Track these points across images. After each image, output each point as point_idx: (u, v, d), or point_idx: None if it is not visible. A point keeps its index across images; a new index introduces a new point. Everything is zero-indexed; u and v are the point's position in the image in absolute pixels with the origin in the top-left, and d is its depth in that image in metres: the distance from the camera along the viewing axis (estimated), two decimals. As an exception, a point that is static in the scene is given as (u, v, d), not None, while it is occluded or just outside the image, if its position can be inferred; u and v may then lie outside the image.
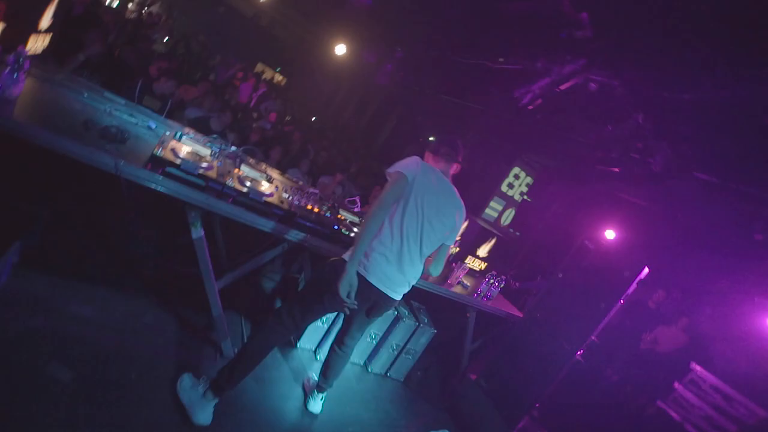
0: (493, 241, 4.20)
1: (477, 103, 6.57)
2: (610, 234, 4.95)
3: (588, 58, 2.97)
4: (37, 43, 2.32)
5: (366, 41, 7.81)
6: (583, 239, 4.76)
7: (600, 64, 2.99)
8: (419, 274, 2.21)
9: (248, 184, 2.31)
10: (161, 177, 2.00)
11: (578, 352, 2.94)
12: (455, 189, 2.20)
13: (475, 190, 8.76)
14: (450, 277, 3.42)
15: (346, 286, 1.92)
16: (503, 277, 3.69)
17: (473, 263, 4.13)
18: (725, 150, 3.49)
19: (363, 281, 2.00)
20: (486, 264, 4.25)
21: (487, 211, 9.25)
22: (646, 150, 4.06)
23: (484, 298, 3.60)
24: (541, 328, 3.30)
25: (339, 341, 2.41)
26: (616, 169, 4.61)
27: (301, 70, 16.50)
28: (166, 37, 8.29)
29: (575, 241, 5.41)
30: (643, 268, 2.97)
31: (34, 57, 2.29)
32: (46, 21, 2.29)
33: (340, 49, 7.84)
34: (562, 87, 3.12)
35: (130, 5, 9.10)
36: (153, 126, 2.58)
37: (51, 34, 2.41)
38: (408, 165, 2.03)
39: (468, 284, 3.70)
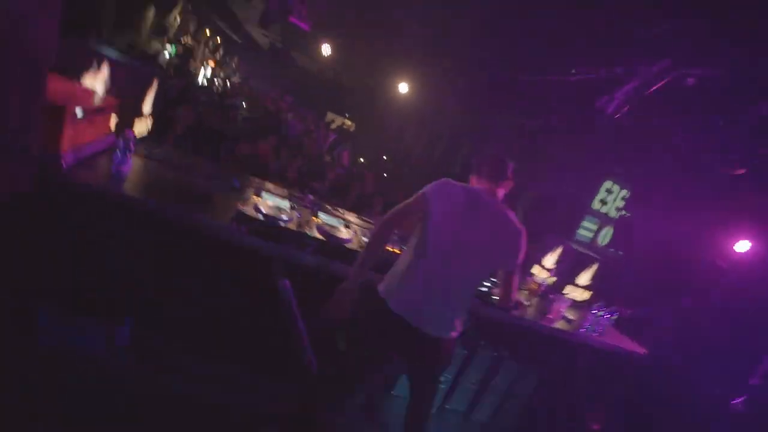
0: (595, 267, 3.73)
1: (556, 120, 6.17)
2: (743, 246, 4.12)
3: (673, 56, 2.58)
4: (141, 126, 2.63)
5: (428, 75, 7.90)
6: (713, 256, 4.01)
7: (690, 56, 2.57)
8: (465, 305, 1.96)
9: (327, 231, 2.30)
10: (245, 232, 2.08)
11: (736, 400, 2.36)
12: (506, 210, 1.92)
13: (564, 211, 8.11)
14: (549, 310, 3.05)
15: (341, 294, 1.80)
16: (614, 307, 3.21)
17: (574, 293, 3.69)
18: None
19: (386, 311, 1.83)
20: (590, 293, 3.76)
21: (581, 231, 8.45)
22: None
23: (594, 333, 3.14)
24: (673, 368, 2.76)
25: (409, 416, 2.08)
26: (740, 171, 3.92)
27: (369, 113, 17.24)
28: (244, 102, 9.23)
29: (696, 259, 4.62)
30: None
31: (139, 138, 2.59)
32: (147, 106, 2.59)
33: (403, 88, 8.04)
34: (652, 89, 2.74)
35: (216, 80, 10.37)
36: (237, 185, 2.75)
37: (152, 116, 2.72)
38: (430, 185, 1.86)
39: (572, 318, 3.27)
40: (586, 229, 9.32)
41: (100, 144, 2.21)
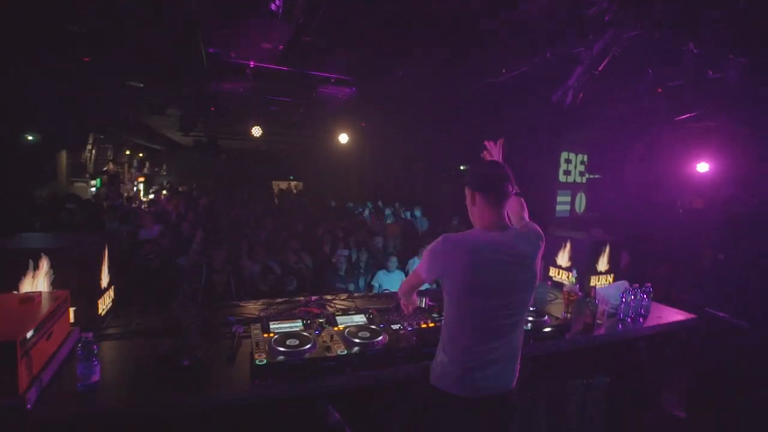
0: (607, 248, 3.63)
1: (514, 113, 6.24)
2: (703, 167, 4.20)
3: (614, 27, 2.63)
4: (106, 302, 2.28)
5: (364, 115, 7.89)
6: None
7: (630, 22, 2.63)
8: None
9: (356, 341, 2.03)
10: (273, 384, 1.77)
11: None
12: (513, 227, 1.83)
13: (537, 199, 8.21)
14: (588, 315, 2.83)
15: None
16: (646, 285, 3.10)
17: (601, 282, 3.56)
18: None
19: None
20: (612, 276, 3.65)
21: (558, 208, 8.55)
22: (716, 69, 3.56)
23: (640, 318, 3.00)
24: (732, 327, 2.64)
25: None
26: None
27: (313, 168, 17.19)
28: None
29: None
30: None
31: (105, 316, 2.23)
32: (105, 279, 2.26)
33: (343, 138, 7.99)
34: (600, 68, 2.77)
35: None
36: (232, 320, 2.42)
37: (113, 287, 2.38)
38: (429, 264, 1.74)
39: (612, 310, 3.11)
40: (561, 204, 9.42)
41: (64, 351, 1.85)
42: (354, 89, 5.10)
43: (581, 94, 2.95)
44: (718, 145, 5.35)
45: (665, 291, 5.00)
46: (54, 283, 2.00)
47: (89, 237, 2.24)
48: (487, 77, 4.70)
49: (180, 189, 13.70)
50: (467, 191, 1.84)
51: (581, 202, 8.75)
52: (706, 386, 2.77)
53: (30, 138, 7.60)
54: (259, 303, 2.83)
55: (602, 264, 3.60)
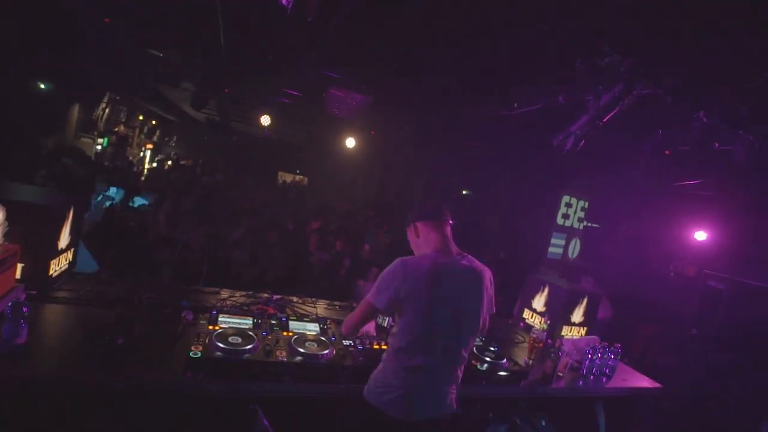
0: (585, 300, 3.55)
1: (513, 149, 6.22)
2: (701, 235, 4.15)
3: (625, 81, 2.61)
4: (60, 263, 2.23)
5: (374, 123, 7.90)
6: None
7: (641, 81, 2.61)
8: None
9: (301, 351, 1.97)
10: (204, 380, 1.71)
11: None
12: (465, 258, 1.83)
13: (530, 237, 8.13)
14: (549, 365, 2.73)
15: None
16: (616, 345, 3.02)
17: (572, 333, 3.49)
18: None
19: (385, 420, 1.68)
20: (585, 329, 3.58)
21: (551, 250, 8.47)
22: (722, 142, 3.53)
23: (603, 378, 2.92)
24: (700, 403, 2.56)
25: None
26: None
27: (320, 166, 17.22)
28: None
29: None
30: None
31: (57, 277, 2.19)
32: (64, 240, 2.21)
33: (350, 143, 7.99)
34: (605, 119, 2.73)
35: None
36: (185, 304, 2.36)
37: (72, 249, 2.33)
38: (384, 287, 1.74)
39: (577, 365, 3.03)
40: (555, 246, 9.34)
41: (1, 306, 1.80)
42: (365, 97, 5.10)
43: (582, 142, 2.92)
44: (718, 215, 5.29)
45: (642, 350, 4.91)
46: (6, 236, 1.95)
47: (58, 196, 2.20)
48: (499, 110, 4.68)
49: (182, 162, 13.72)
50: (408, 231, 1.94)
51: (575, 247, 8.68)
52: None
53: (43, 86, 7.63)
54: (223, 292, 2.77)
55: (577, 315, 3.52)
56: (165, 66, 6.04)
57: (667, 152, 4.31)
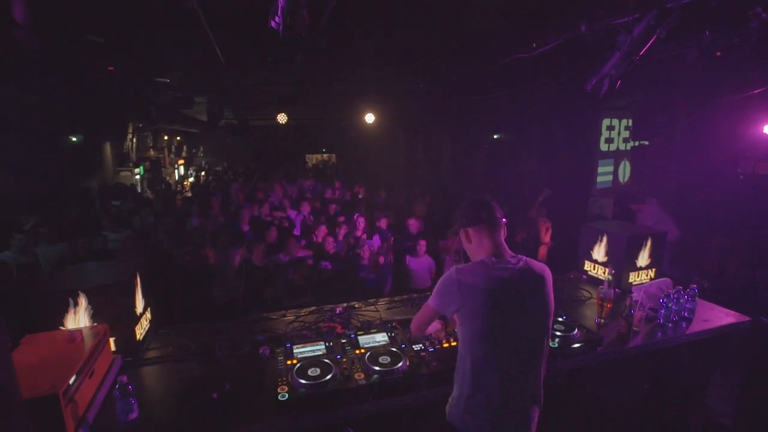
0: (648, 242, 3.37)
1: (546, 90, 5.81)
2: None
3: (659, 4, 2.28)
4: (143, 327, 2.41)
5: (392, 92, 7.64)
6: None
7: None
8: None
9: (377, 369, 2.05)
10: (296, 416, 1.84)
11: None
12: (525, 262, 1.73)
13: (576, 174, 7.73)
14: (623, 324, 2.60)
15: None
16: (691, 286, 2.88)
17: (640, 278, 3.36)
18: None
19: None
20: (654, 270, 3.42)
21: (600, 179, 8.06)
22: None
23: (683, 323, 2.81)
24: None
25: None
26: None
27: (346, 142, 17.12)
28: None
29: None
30: None
31: (141, 341, 2.38)
32: (140, 305, 2.39)
33: (370, 118, 7.83)
34: (641, 53, 2.44)
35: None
36: (261, 338, 2.51)
37: (149, 309, 2.52)
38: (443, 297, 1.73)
39: (653, 312, 2.93)
40: (603, 175, 8.85)
41: (108, 381, 2.00)
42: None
43: (619, 83, 2.65)
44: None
45: (719, 266, 4.63)
46: (93, 317, 2.14)
47: (121, 269, 2.36)
48: (516, 52, 4.35)
49: (217, 169, 14.13)
50: (460, 234, 1.86)
51: (625, 170, 8.20)
52: (756, 394, 2.59)
53: (74, 139, 8.05)
54: (288, 315, 2.90)
55: (643, 259, 3.37)
56: (174, 90, 6.11)
57: (718, 53, 3.85)
